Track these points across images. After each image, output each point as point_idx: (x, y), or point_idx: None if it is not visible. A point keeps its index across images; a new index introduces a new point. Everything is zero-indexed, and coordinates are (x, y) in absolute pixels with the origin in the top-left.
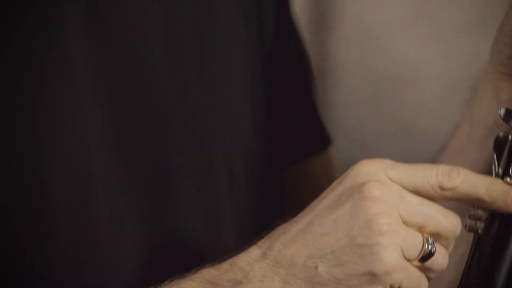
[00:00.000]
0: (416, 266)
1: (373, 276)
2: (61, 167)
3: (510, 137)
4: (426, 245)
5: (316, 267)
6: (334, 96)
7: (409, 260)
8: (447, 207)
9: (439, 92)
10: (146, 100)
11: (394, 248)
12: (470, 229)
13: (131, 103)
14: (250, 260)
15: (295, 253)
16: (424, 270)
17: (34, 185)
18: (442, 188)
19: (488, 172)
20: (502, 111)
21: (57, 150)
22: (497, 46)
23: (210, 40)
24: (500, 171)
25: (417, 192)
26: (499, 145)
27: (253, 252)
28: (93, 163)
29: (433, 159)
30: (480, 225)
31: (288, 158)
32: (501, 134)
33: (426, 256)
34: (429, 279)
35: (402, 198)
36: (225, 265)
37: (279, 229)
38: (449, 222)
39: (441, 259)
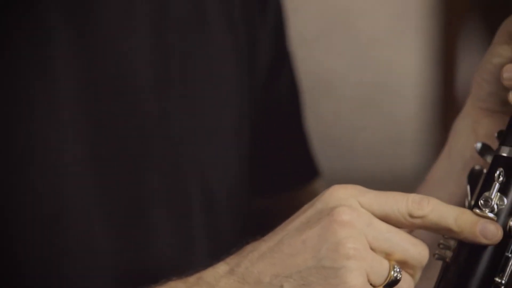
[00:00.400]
0: None
1: None
2: (36, 184)
3: (484, 170)
4: (392, 272)
5: (281, 286)
6: None
7: (374, 286)
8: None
9: (354, 102)
10: (127, 122)
11: (360, 273)
12: (439, 257)
13: (112, 125)
14: (217, 276)
15: (262, 271)
16: None
17: (8, 200)
18: (412, 216)
19: (464, 204)
20: (478, 146)
21: (34, 167)
22: (477, 82)
23: (198, 68)
24: (472, 203)
25: (387, 219)
26: (473, 178)
27: (221, 267)
28: (69, 182)
29: (348, 167)
30: (449, 254)
31: (274, 187)
32: (476, 167)
33: (392, 283)
34: None
35: (371, 225)
36: (192, 279)
37: (248, 247)
38: (417, 251)
39: (406, 286)
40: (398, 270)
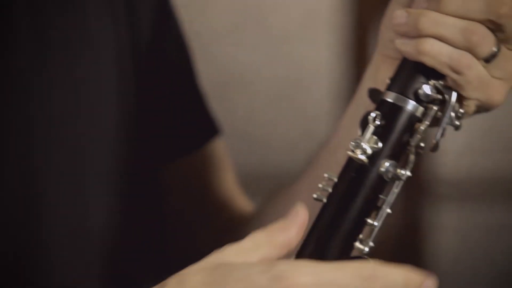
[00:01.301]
0: None
1: None
2: None
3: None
4: None
5: None
6: None
7: None
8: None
9: (267, 97)
10: (11, 101)
11: None
12: (317, 198)
13: None
14: None
15: None
16: None
17: None
18: None
19: None
20: (369, 91)
21: None
22: (381, 29)
23: (77, 44)
24: None
25: None
26: (364, 122)
27: None
28: None
29: (262, 162)
30: (325, 194)
31: (174, 151)
32: (370, 113)
33: None
34: None
35: None
36: None
37: None
38: None
39: None
40: None
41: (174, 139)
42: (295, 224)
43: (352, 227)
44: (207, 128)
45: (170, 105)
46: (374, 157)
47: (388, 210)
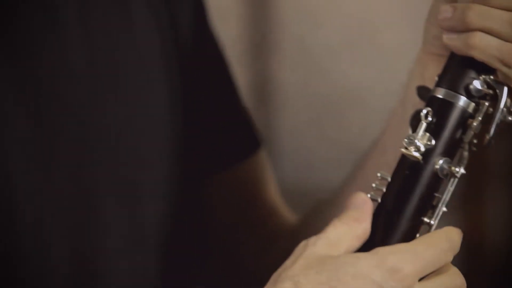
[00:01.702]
0: None
1: None
2: None
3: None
4: None
5: None
6: (278, 119)
7: None
8: None
9: (382, 113)
10: (67, 117)
11: None
12: (371, 199)
13: (52, 120)
14: None
15: None
16: None
17: None
18: None
19: None
20: (417, 88)
21: None
22: (426, 26)
23: (126, 56)
24: None
25: None
26: (415, 120)
27: None
28: (15, 180)
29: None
30: (379, 193)
31: (217, 164)
32: (422, 110)
33: None
34: None
35: None
36: None
37: None
38: None
39: None
40: None
41: (218, 152)
42: (367, 214)
43: (409, 226)
44: (250, 141)
45: (214, 118)
46: (428, 154)
47: (444, 209)
